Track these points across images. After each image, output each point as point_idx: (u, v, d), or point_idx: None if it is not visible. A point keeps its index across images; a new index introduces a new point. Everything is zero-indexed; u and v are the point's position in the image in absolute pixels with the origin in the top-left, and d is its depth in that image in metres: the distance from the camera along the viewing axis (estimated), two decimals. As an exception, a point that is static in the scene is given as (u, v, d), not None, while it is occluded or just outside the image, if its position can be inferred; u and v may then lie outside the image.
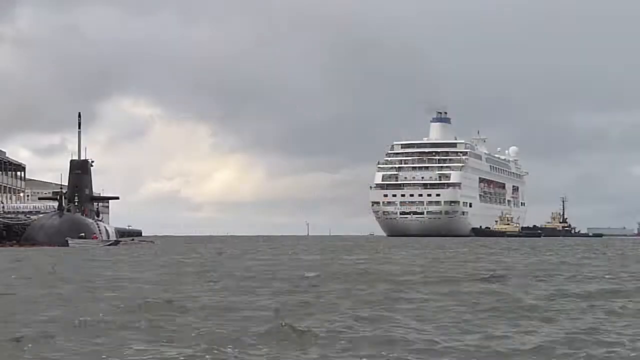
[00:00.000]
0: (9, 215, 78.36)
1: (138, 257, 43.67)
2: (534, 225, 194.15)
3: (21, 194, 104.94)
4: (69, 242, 66.26)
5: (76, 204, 75.88)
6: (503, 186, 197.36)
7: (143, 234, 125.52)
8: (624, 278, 24.94)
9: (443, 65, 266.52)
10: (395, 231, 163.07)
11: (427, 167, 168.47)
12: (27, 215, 78.11)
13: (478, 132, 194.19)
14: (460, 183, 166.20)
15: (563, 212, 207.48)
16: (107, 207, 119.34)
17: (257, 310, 15.19)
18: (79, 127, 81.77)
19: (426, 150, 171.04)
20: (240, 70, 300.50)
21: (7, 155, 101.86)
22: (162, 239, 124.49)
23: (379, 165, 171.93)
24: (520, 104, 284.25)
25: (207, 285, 21.61)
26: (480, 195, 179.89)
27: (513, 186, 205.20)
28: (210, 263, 36.02)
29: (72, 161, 79.58)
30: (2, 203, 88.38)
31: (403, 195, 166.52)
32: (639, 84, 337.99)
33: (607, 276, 25.72)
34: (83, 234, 69.58)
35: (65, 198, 74.53)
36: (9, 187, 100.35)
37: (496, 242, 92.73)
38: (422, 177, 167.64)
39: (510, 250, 57.20)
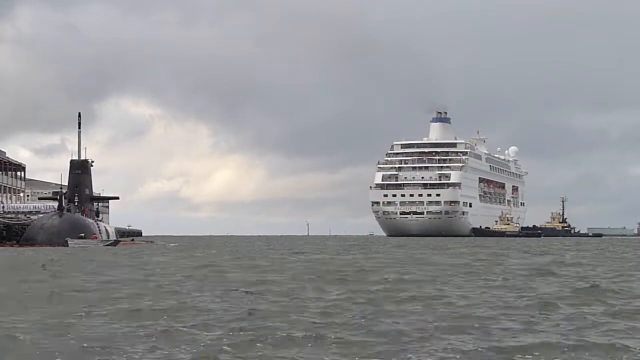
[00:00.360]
0: (9, 215, 78.35)
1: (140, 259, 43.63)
2: (534, 225, 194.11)
3: (21, 194, 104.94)
4: (69, 242, 66.37)
5: (76, 204, 75.93)
6: (503, 186, 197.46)
7: (143, 234, 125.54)
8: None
9: (443, 65, 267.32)
10: (395, 231, 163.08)
11: (427, 167, 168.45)
12: (27, 215, 78.09)
13: (478, 132, 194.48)
14: (460, 183, 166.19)
15: (563, 212, 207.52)
16: (107, 207, 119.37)
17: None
18: (79, 127, 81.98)
19: (426, 150, 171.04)
20: (240, 70, 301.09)
21: (7, 155, 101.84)
22: (161, 238, 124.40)
23: (379, 165, 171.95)
24: (520, 104, 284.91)
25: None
26: (480, 195, 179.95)
27: (513, 186, 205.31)
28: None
29: (72, 161, 79.63)
30: (2, 203, 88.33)
31: (403, 195, 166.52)
32: (639, 84, 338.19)
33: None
34: (83, 234, 69.59)
35: (65, 198, 74.53)
36: (9, 187, 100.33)
37: (497, 242, 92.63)
38: (422, 177, 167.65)
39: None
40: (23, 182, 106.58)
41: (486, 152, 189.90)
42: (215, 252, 55.59)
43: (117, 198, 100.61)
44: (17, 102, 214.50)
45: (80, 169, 78.68)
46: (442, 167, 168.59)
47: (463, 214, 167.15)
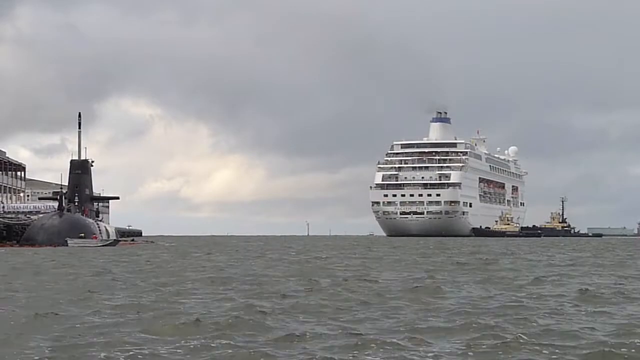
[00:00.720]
0: (9, 215, 78.38)
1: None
2: (534, 225, 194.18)
3: (21, 194, 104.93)
4: (68, 242, 66.48)
5: (76, 204, 75.94)
6: (503, 186, 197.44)
7: (143, 234, 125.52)
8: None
9: (443, 65, 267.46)
10: (395, 231, 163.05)
11: (427, 167, 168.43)
12: (27, 215, 78.12)
13: (478, 132, 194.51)
14: (460, 183, 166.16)
15: (562, 212, 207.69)
16: (107, 207, 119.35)
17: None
18: (79, 127, 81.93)
19: (426, 150, 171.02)
20: (240, 70, 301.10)
21: (7, 155, 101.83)
22: (162, 238, 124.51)
23: (379, 165, 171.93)
24: (520, 104, 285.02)
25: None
26: (480, 195, 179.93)
27: (512, 186, 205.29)
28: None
29: (72, 161, 79.63)
30: (2, 203, 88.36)
31: (403, 195, 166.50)
32: (639, 84, 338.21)
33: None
34: (83, 234, 69.62)
35: (65, 198, 74.53)
36: (9, 187, 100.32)
37: (496, 242, 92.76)
38: (422, 177, 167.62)
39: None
40: (23, 182, 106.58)
41: (486, 152, 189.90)
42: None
43: (117, 198, 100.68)
44: (17, 102, 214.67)
45: (80, 169, 78.68)
46: (442, 167, 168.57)
47: (463, 214, 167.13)
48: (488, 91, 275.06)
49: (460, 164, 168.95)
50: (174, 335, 12.18)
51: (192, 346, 11.34)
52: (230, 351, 10.93)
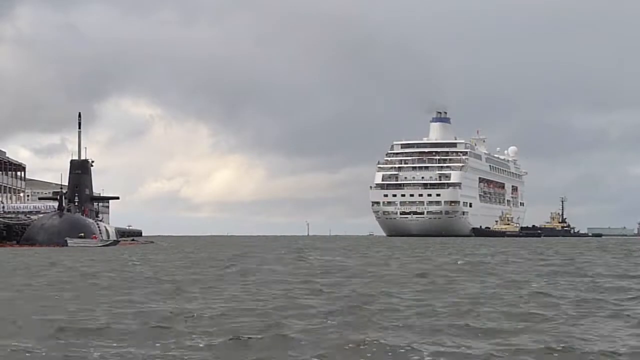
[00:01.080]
0: (9, 215, 78.38)
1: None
2: (534, 225, 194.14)
3: (21, 194, 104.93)
4: (68, 241, 66.46)
5: (76, 204, 75.95)
6: (502, 186, 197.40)
7: (143, 234, 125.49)
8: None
9: (443, 65, 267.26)
10: (395, 231, 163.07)
11: (427, 167, 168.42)
12: (27, 215, 78.13)
13: (478, 132, 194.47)
14: (460, 183, 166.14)
15: (562, 212, 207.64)
16: (107, 207, 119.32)
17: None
18: (79, 127, 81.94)
19: (426, 150, 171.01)
20: (240, 70, 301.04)
21: (7, 155, 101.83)
22: (162, 238, 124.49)
23: (379, 165, 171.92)
24: (520, 104, 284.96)
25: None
26: (480, 195, 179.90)
27: (512, 186, 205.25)
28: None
29: (72, 161, 79.65)
30: (2, 203, 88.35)
31: (403, 195, 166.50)
32: (639, 84, 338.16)
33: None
34: (83, 234, 69.62)
35: (65, 198, 74.55)
36: (9, 187, 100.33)
37: (497, 242, 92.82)
38: (422, 177, 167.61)
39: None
40: (23, 182, 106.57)
41: (486, 152, 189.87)
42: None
43: (117, 198, 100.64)
44: (17, 102, 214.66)
45: (80, 169, 78.69)
46: (442, 167, 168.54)
47: (463, 214, 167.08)
48: (488, 91, 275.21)
49: (460, 164, 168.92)
50: (173, 335, 12.17)
51: (189, 345, 11.34)
52: (230, 351, 10.92)
